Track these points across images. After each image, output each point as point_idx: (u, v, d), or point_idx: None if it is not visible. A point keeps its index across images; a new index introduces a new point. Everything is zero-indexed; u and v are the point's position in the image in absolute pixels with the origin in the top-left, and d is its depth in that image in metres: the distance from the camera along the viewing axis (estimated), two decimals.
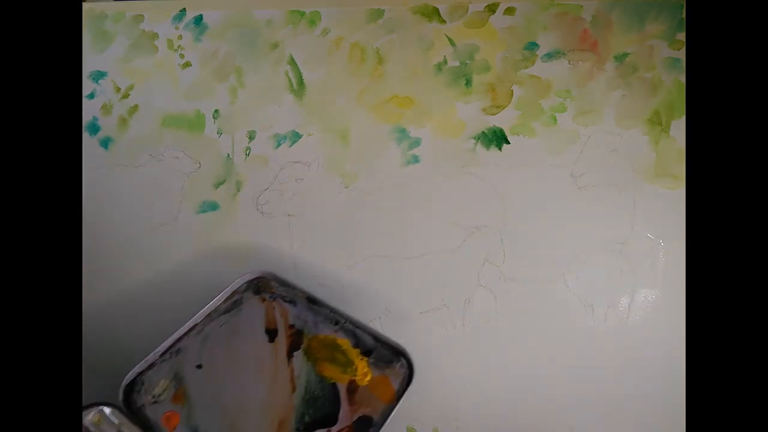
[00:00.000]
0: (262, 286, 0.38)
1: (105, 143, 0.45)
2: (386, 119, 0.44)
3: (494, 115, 0.43)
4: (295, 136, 0.44)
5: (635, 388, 0.40)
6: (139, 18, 0.46)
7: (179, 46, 0.46)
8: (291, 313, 0.37)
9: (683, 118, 0.41)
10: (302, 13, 0.45)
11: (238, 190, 0.44)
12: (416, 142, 0.43)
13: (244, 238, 0.44)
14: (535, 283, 0.41)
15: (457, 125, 0.43)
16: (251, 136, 0.44)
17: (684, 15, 0.42)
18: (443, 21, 0.44)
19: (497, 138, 0.43)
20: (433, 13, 0.44)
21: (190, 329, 0.36)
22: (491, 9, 0.44)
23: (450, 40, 0.44)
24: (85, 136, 0.45)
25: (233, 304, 0.37)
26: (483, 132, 0.43)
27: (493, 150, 0.43)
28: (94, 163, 0.45)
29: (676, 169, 0.41)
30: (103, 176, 0.45)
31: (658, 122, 0.42)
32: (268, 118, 0.44)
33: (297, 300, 0.37)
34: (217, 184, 0.44)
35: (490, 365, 0.41)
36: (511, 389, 0.41)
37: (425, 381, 0.37)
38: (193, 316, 0.36)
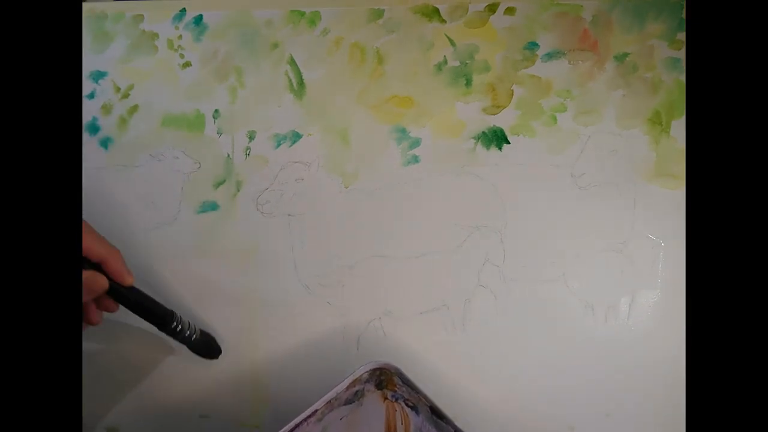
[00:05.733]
0: (385, 380, 0.35)
1: (105, 143, 0.45)
2: (386, 119, 0.44)
3: (494, 115, 0.43)
4: (295, 136, 0.44)
5: (635, 388, 0.40)
6: (139, 18, 0.46)
7: (179, 46, 0.46)
8: (413, 423, 0.35)
9: (684, 118, 0.41)
10: (302, 13, 0.45)
11: (238, 190, 0.44)
12: (416, 142, 0.43)
13: (244, 238, 0.44)
14: (535, 283, 0.41)
15: (457, 125, 0.43)
16: (251, 136, 0.44)
17: (684, 15, 0.42)
18: (443, 21, 0.44)
19: (497, 138, 0.43)
20: (433, 13, 0.44)
21: (311, 414, 0.33)
22: (491, 9, 0.44)
23: (450, 40, 0.44)
24: (85, 136, 0.45)
25: (354, 394, 0.35)
26: (483, 132, 0.43)
27: (493, 150, 0.43)
28: (94, 163, 0.45)
29: (676, 169, 0.41)
30: (103, 176, 0.45)
31: (658, 122, 0.42)
32: (268, 118, 0.44)
33: (419, 407, 0.35)
34: (217, 184, 0.44)
35: (490, 365, 0.41)
36: (511, 389, 0.41)
37: (424, 381, 0.37)
38: (311, 403, 0.34)
